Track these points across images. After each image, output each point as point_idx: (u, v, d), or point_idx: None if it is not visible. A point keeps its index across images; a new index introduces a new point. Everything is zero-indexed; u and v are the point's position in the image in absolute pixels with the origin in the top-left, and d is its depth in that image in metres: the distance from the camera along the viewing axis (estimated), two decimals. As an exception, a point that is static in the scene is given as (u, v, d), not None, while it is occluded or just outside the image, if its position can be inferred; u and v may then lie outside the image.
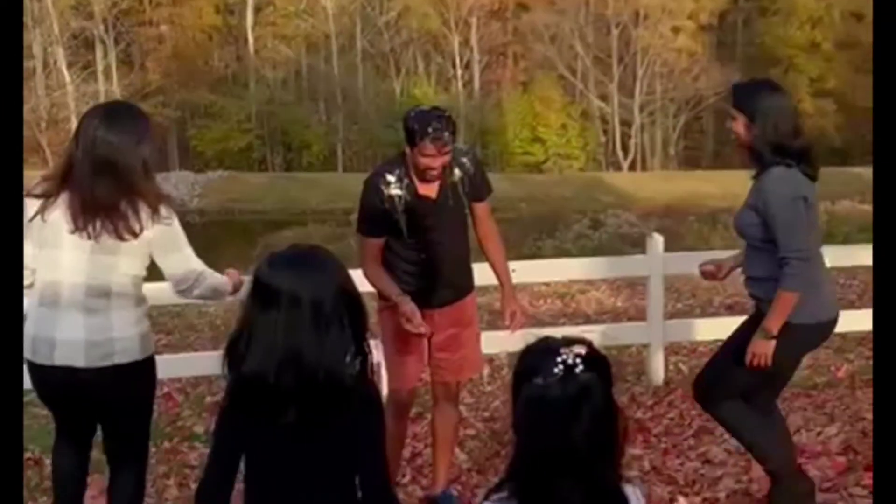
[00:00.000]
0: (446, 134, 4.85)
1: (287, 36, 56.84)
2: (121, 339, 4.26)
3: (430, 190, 5.12)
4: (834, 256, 8.79)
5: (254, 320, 2.94)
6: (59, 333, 4.23)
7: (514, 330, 5.23)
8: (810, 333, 4.77)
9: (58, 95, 54.82)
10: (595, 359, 2.45)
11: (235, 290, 4.58)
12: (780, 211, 4.56)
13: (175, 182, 43.50)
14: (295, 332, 2.88)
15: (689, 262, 6.75)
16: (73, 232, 4.17)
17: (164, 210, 4.25)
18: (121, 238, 4.16)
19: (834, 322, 4.81)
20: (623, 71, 53.30)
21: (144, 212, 4.19)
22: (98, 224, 4.16)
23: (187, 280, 4.46)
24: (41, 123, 53.35)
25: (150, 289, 4.57)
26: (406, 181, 5.07)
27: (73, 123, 52.76)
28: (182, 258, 4.41)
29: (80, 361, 4.21)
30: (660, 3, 52.38)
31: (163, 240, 4.29)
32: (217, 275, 4.59)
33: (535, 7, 54.81)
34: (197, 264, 4.47)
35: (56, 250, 4.24)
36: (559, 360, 2.42)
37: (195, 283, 4.48)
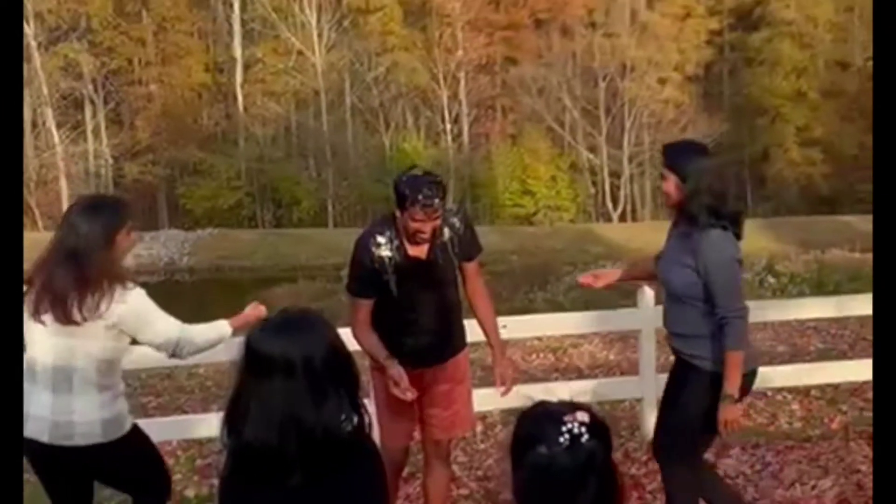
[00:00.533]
0: (437, 200, 4.84)
1: (276, 93, 57.02)
2: (81, 423, 4.40)
3: (419, 251, 5.11)
4: (825, 307, 8.83)
5: (249, 387, 2.98)
6: (31, 408, 4.38)
7: (505, 393, 5.26)
8: (746, 382, 4.88)
9: (47, 156, 54.88)
10: (598, 426, 2.47)
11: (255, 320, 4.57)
12: (721, 273, 4.72)
13: (164, 241, 43.47)
14: (291, 397, 2.91)
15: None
16: (31, 316, 4.38)
17: (119, 293, 4.37)
18: (71, 322, 4.30)
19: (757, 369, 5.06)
20: (611, 122, 53.56)
21: (98, 297, 4.32)
22: (49, 309, 4.34)
23: (168, 348, 4.57)
24: (30, 184, 53.31)
25: (138, 352, 4.58)
26: (396, 242, 5.07)
27: (63, 184, 53.30)
28: (153, 332, 4.52)
29: (44, 437, 4.40)
30: (646, 56, 52.77)
31: (128, 320, 4.40)
32: (202, 328, 4.67)
33: (523, 60, 55.16)
34: (172, 332, 4.55)
35: (29, 332, 4.42)
36: (564, 429, 2.43)
37: (178, 348, 4.58)
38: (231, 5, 57.88)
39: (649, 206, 56.71)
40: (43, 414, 4.40)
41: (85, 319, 4.29)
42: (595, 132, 53.72)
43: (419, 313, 5.19)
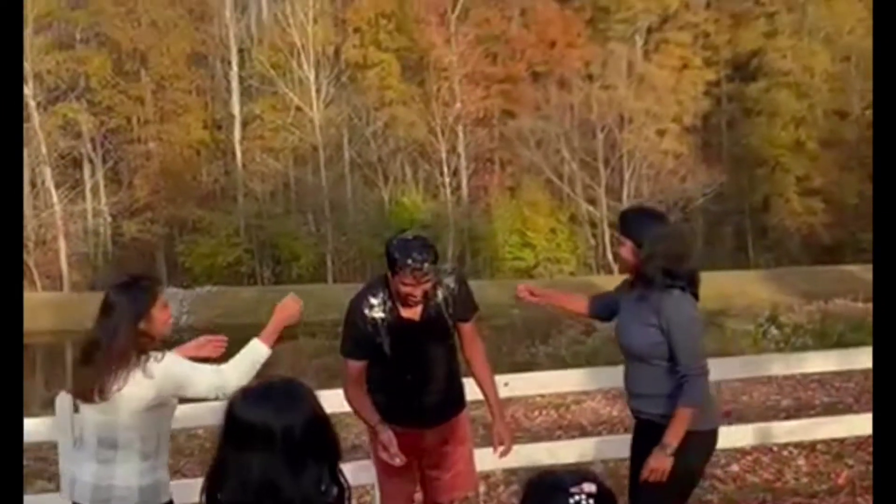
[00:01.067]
0: (426, 265, 4.86)
1: (275, 149, 57.16)
2: (120, 487, 4.68)
3: (413, 312, 5.10)
4: (829, 360, 8.69)
5: (229, 454, 2.96)
6: (78, 474, 4.81)
7: (503, 454, 5.28)
8: (713, 438, 5.12)
9: (45, 216, 54.97)
10: (605, 496, 2.48)
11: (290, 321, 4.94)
12: (683, 333, 4.88)
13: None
14: (270, 466, 2.89)
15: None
16: (77, 393, 4.78)
17: (152, 365, 4.59)
18: (103, 398, 4.58)
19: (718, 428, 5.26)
20: (610, 174, 53.62)
21: (131, 371, 4.56)
22: (92, 386, 4.62)
23: (212, 395, 4.74)
24: (28, 244, 53.36)
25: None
26: (389, 304, 5.08)
27: (62, 243, 53.33)
28: (193, 389, 4.74)
29: (86, 501, 4.74)
30: (644, 107, 52.98)
31: (166, 387, 4.64)
32: (237, 361, 4.78)
33: (521, 113, 55.36)
34: (211, 381, 4.71)
35: (80, 406, 4.82)
36: (572, 501, 2.43)
37: (221, 390, 4.67)
38: (229, 62, 58.20)
39: (650, 257, 56.61)
40: (87, 480, 4.72)
41: (120, 392, 4.55)
42: (594, 184, 53.78)
43: (415, 374, 5.15)
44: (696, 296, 5.01)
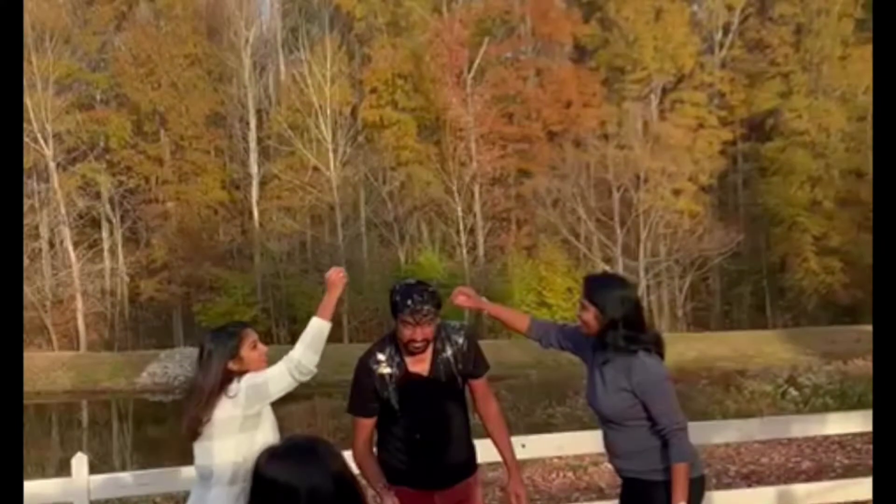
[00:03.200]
0: (426, 307, 4.94)
1: (292, 208, 57.38)
2: None
3: (420, 367, 5.12)
4: (849, 422, 8.56)
5: None
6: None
7: None
8: (703, 484, 5.23)
9: (63, 275, 55.20)
10: None
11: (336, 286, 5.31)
12: (656, 394, 5.02)
13: (180, 359, 43.39)
14: None
15: (703, 432, 6.59)
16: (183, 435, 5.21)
17: (230, 389, 5.04)
18: (197, 427, 5.05)
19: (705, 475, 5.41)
20: (626, 233, 53.55)
21: (215, 401, 5.02)
22: (187, 427, 5.11)
23: (288, 379, 5.12)
24: (46, 303, 53.56)
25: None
26: (397, 359, 5.12)
27: (79, 302, 53.47)
28: (274, 384, 5.10)
29: None
30: (659, 166, 52.95)
31: (250, 395, 5.04)
32: (301, 341, 5.19)
33: (537, 173, 55.42)
34: (281, 369, 5.11)
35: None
36: None
37: (294, 372, 5.11)
38: (247, 123, 58.58)
39: (667, 317, 56.47)
40: None
41: (211, 422, 5.00)
42: (610, 243, 53.69)
43: (424, 433, 5.15)
44: (661, 356, 5.18)
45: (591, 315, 5.20)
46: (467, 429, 5.35)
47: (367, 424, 5.21)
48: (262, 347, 5.25)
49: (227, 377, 5.05)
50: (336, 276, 5.29)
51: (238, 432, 4.99)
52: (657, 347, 5.18)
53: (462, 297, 5.48)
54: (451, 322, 5.29)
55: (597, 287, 5.31)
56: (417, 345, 5.03)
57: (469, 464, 5.34)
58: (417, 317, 4.94)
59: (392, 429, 5.15)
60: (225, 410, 4.98)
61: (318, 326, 5.22)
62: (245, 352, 5.13)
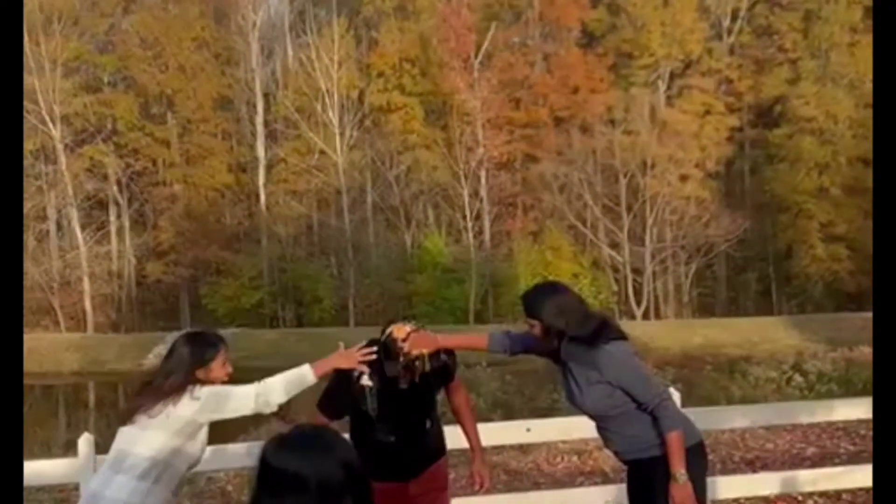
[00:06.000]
0: (416, 363, 5.19)
1: (298, 192, 57.40)
2: (108, 497, 4.92)
3: (402, 381, 5.29)
4: (854, 408, 8.57)
5: (263, 500, 2.98)
6: (84, 486, 5.53)
7: (481, 489, 5.61)
8: (702, 448, 5.31)
9: (70, 257, 55.29)
10: None
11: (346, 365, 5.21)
12: (630, 376, 5.12)
13: (186, 340, 43.36)
14: None
15: (708, 418, 6.62)
16: (122, 421, 5.16)
17: (192, 393, 4.96)
18: (149, 417, 4.94)
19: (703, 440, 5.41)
20: (633, 219, 53.51)
21: (172, 402, 4.93)
22: (131, 411, 5.07)
23: (251, 404, 5.07)
24: (53, 285, 53.67)
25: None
26: (377, 370, 5.25)
27: (86, 284, 53.59)
28: (236, 400, 5.04)
29: None
30: (666, 153, 52.90)
31: (209, 402, 4.97)
32: (282, 376, 5.16)
33: (544, 158, 55.34)
34: (249, 390, 5.07)
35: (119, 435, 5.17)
36: None
37: (260, 399, 5.08)
38: (254, 106, 58.60)
39: (672, 303, 56.48)
40: (91, 486, 5.12)
41: (165, 414, 4.91)
42: (617, 229, 53.66)
43: (398, 436, 5.33)
44: (621, 336, 5.25)
45: (539, 329, 5.26)
46: (438, 422, 5.57)
47: (326, 423, 5.27)
48: (228, 367, 5.23)
49: (191, 382, 5.02)
50: (356, 355, 5.21)
51: (174, 433, 4.97)
52: (610, 330, 5.23)
53: (420, 345, 5.42)
54: (429, 333, 5.42)
55: (532, 303, 5.34)
56: (402, 381, 5.24)
57: (439, 449, 5.59)
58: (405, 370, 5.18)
59: (366, 432, 5.27)
60: (180, 409, 4.94)
61: (304, 376, 5.19)
62: (215, 365, 5.13)
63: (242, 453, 5.07)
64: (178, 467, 5.05)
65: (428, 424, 5.45)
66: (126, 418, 5.05)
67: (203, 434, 5.16)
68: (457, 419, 5.76)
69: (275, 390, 5.09)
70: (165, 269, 56.87)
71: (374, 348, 5.18)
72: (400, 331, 5.16)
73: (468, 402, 5.79)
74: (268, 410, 5.15)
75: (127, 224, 59.22)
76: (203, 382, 5.03)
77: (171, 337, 41.43)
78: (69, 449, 8.30)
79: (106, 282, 57.44)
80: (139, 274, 58.67)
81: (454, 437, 5.78)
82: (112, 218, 59.48)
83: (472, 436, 5.73)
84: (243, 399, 5.04)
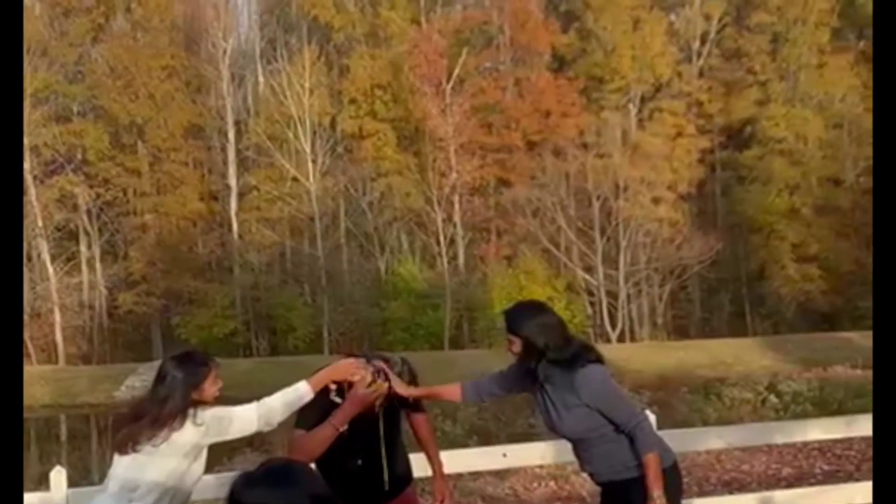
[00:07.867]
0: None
1: (271, 220, 57.24)
2: None
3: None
4: (829, 428, 8.58)
5: None
6: None
7: None
8: (677, 471, 5.33)
9: (41, 289, 54.87)
10: None
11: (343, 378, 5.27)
12: (606, 398, 5.17)
13: (159, 371, 43.06)
14: None
15: (684, 439, 6.59)
16: (116, 449, 5.14)
17: (195, 418, 5.02)
18: (137, 444, 4.98)
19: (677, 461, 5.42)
20: (606, 242, 53.58)
21: (171, 429, 4.97)
22: (129, 440, 5.04)
23: (254, 425, 5.19)
24: (24, 317, 53.17)
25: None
26: (345, 387, 5.31)
27: (57, 315, 53.18)
28: (240, 422, 5.16)
29: None
30: (639, 175, 53.05)
31: (212, 426, 5.06)
32: (279, 395, 5.25)
33: (517, 182, 55.44)
34: (251, 411, 5.20)
35: (114, 463, 5.18)
36: None
37: (262, 420, 5.19)
38: (226, 134, 58.47)
39: (647, 326, 56.55)
40: None
41: (168, 441, 4.95)
42: (590, 252, 53.72)
43: (365, 458, 5.36)
44: (598, 359, 5.33)
45: (518, 346, 5.35)
46: (403, 447, 5.61)
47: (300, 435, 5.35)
48: (219, 382, 5.30)
49: (189, 405, 5.07)
50: (352, 368, 5.29)
51: (182, 457, 5.03)
52: (589, 354, 5.31)
53: (398, 392, 5.47)
54: (394, 358, 5.54)
55: (514, 319, 5.45)
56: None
57: (406, 477, 5.60)
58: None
59: (332, 454, 5.25)
60: (185, 435, 4.99)
61: (302, 393, 5.26)
62: (208, 384, 5.21)
63: (214, 484, 5.05)
64: (188, 487, 5.15)
65: (394, 446, 5.48)
66: (124, 446, 5.05)
67: (205, 451, 5.23)
68: (416, 439, 5.80)
69: (275, 409, 5.21)
70: (137, 299, 56.52)
71: (365, 361, 5.28)
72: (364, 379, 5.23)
73: (429, 423, 5.85)
74: (268, 429, 5.25)
75: (98, 254, 58.89)
76: (197, 403, 5.10)
77: (144, 368, 41.17)
78: (42, 482, 8.19)
79: (77, 313, 57.05)
80: (110, 305, 58.25)
81: (419, 463, 5.81)
82: (83, 248, 59.11)
83: (433, 456, 5.78)
84: (246, 422, 5.16)
